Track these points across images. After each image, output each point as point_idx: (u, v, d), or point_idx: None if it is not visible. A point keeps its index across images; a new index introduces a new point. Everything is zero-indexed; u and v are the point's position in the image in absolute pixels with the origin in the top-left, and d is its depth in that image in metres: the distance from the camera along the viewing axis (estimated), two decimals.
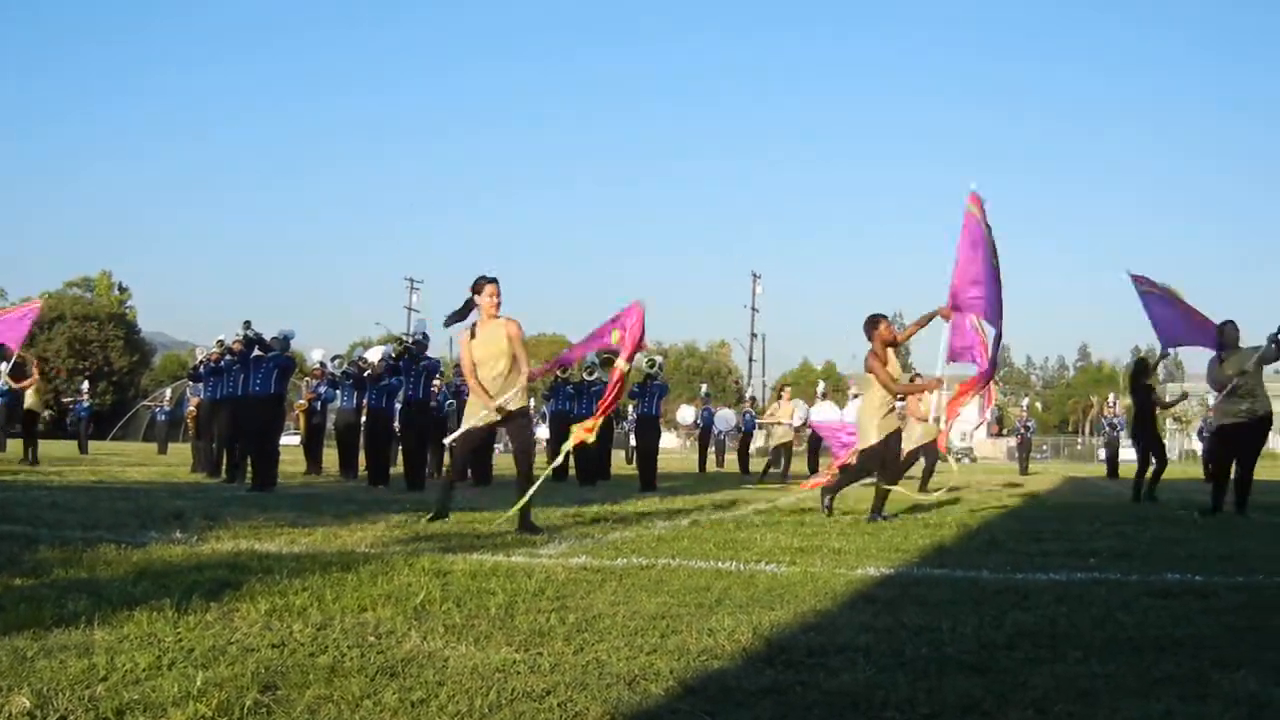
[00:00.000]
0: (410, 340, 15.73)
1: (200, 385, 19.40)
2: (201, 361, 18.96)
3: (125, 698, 3.00)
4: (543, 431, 31.72)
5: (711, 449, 31.50)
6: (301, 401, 20.72)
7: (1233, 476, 11.32)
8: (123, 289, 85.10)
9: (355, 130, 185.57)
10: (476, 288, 8.89)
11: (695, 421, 30.80)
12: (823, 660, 3.59)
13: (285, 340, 14.81)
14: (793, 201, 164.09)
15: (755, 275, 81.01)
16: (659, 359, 18.89)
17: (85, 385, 35.92)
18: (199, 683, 3.14)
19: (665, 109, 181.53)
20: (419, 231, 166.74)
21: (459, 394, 18.44)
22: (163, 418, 36.77)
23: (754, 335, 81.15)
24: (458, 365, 20.18)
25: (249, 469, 14.46)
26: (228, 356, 15.84)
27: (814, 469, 23.56)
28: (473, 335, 8.97)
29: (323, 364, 19.85)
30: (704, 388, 33.66)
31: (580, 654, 3.66)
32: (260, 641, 3.77)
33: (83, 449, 30.76)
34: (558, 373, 20.40)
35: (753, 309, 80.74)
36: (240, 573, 5.38)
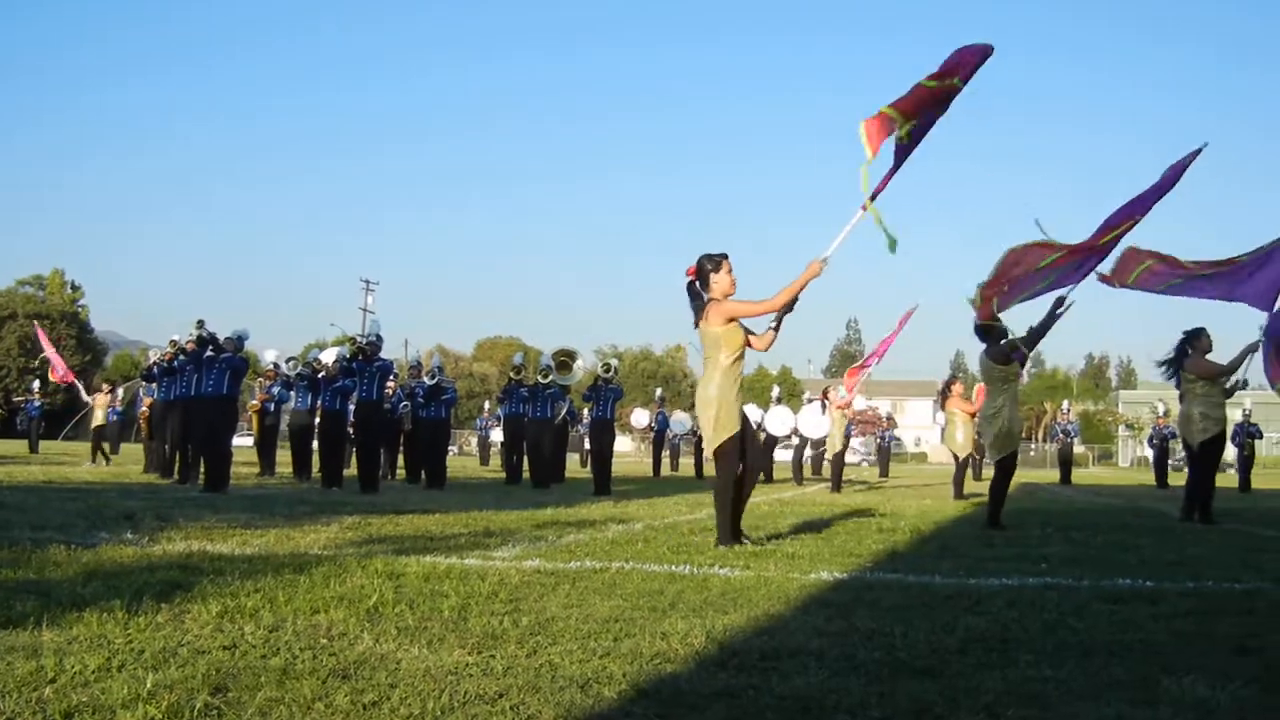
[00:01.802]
0: (364, 341, 15.71)
1: (154, 386, 19.27)
2: (155, 362, 18.82)
3: (74, 700, 2.97)
4: (497, 434, 31.75)
5: (665, 453, 31.57)
6: (254, 402, 20.62)
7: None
8: (75, 287, 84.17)
9: (311, 131, 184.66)
10: (715, 265, 7.89)
11: (650, 425, 30.82)
12: (775, 664, 3.60)
13: (239, 340, 14.71)
14: (748, 205, 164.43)
15: None
16: (614, 362, 18.83)
17: (36, 384, 35.47)
18: (149, 685, 3.11)
19: (618, 114, 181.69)
20: (375, 233, 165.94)
21: (413, 396, 18.39)
22: (115, 418, 36.40)
23: None
24: (412, 367, 20.13)
25: (202, 470, 14.35)
26: (180, 357, 15.73)
27: (768, 474, 23.59)
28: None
29: (276, 365, 19.74)
30: (659, 391, 33.67)
31: (533, 657, 3.66)
32: (211, 643, 3.74)
33: (33, 448, 30.46)
34: (510, 375, 20.41)
35: None
36: (192, 574, 5.34)
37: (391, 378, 17.20)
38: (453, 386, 18.53)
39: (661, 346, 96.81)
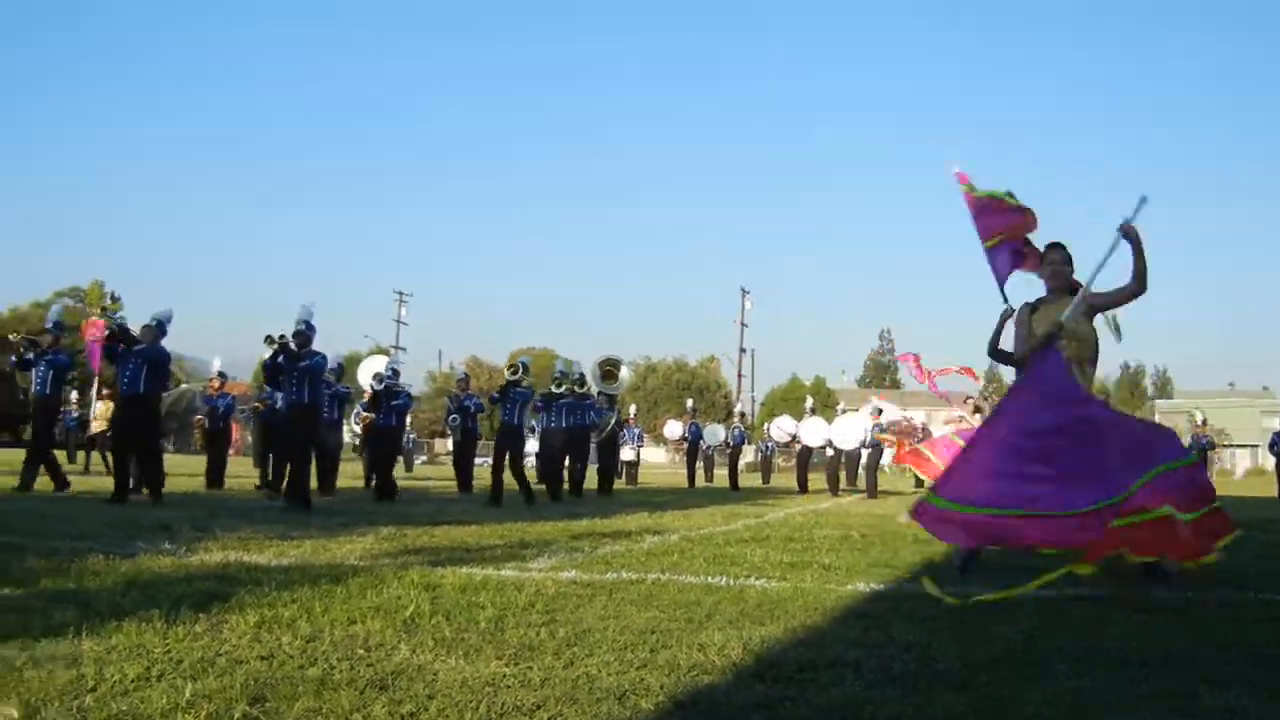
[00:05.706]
0: (295, 329, 12.88)
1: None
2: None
3: (113, 709, 2.99)
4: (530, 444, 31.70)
5: (700, 464, 31.52)
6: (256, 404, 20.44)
7: None
8: (115, 299, 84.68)
9: (345, 139, 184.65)
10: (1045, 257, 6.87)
11: (683, 436, 30.76)
12: (812, 675, 3.59)
13: (160, 325, 13.41)
14: (784, 216, 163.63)
15: (745, 291, 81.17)
16: (524, 361, 16.64)
17: (74, 395, 35.70)
18: (187, 694, 3.13)
19: (656, 122, 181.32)
20: (409, 244, 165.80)
21: (463, 409, 18.10)
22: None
23: (743, 350, 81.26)
24: (459, 380, 19.76)
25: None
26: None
27: (803, 485, 23.55)
28: (1033, 310, 6.92)
29: (222, 375, 18.82)
30: (689, 402, 33.57)
31: (570, 668, 3.66)
32: (249, 653, 3.76)
33: (70, 458, 30.64)
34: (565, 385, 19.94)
35: (742, 324, 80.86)
36: (229, 584, 5.37)
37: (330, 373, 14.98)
38: (404, 392, 17.37)
39: (695, 358, 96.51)
